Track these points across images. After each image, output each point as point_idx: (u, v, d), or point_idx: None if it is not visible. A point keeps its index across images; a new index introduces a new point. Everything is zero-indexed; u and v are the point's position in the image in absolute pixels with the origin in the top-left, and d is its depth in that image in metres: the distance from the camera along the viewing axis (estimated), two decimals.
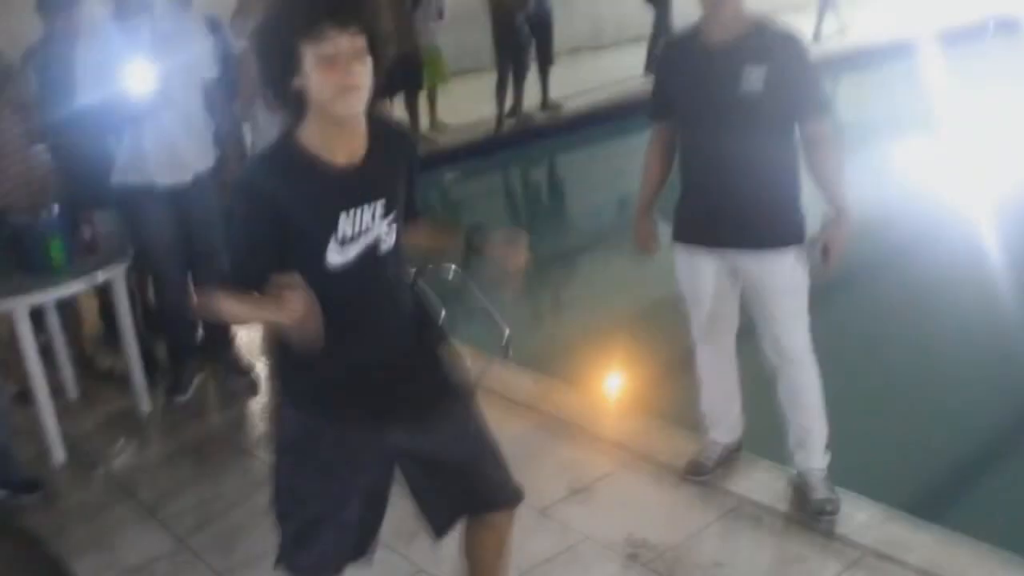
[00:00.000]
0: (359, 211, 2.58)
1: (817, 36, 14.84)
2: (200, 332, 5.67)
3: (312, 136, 2.55)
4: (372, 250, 2.63)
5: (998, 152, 9.83)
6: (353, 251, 2.59)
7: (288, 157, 2.57)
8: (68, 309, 5.60)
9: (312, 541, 2.82)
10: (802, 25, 14.51)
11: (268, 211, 2.53)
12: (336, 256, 2.57)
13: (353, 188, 2.58)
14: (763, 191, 3.82)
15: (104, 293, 5.58)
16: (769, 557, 3.87)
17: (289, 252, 2.55)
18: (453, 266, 4.81)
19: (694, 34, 3.88)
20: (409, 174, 2.79)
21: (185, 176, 5.09)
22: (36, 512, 4.55)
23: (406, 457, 2.87)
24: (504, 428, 4.70)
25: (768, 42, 3.73)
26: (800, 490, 4.07)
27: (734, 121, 3.74)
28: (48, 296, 4.93)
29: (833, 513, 3.95)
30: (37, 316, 5.10)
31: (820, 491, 4.00)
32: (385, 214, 2.63)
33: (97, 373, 5.87)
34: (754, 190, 3.80)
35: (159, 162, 5.01)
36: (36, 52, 5.59)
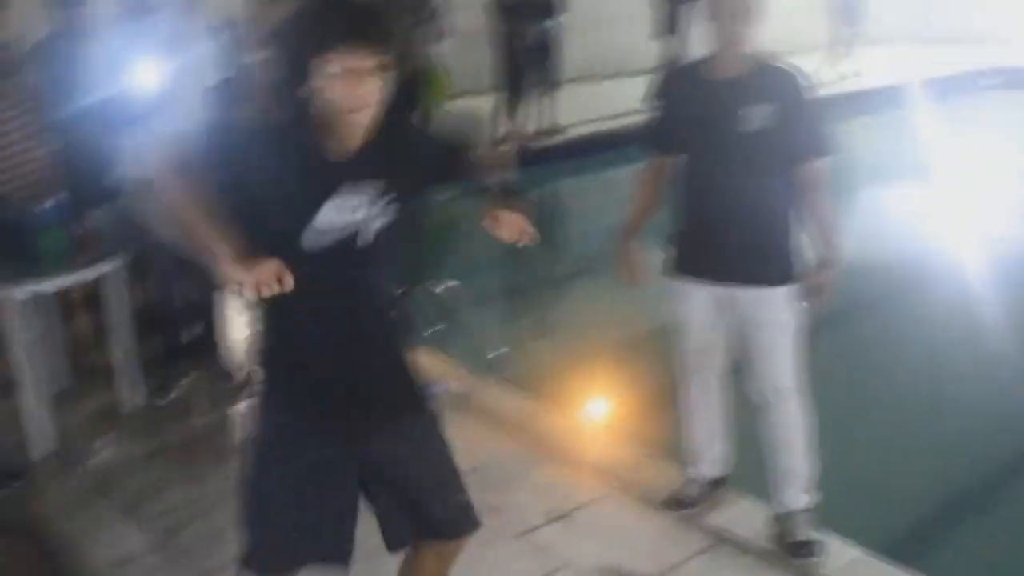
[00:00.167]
0: (343, 199, 2.57)
1: (827, 76, 14.83)
2: (190, 333, 5.65)
3: (314, 125, 2.57)
4: (349, 241, 2.61)
5: (995, 198, 9.94)
6: (329, 238, 2.58)
7: (284, 135, 2.62)
8: (61, 301, 5.58)
9: (270, 537, 2.81)
10: (811, 65, 14.70)
11: (242, 180, 2.54)
12: (313, 239, 2.56)
13: (341, 178, 2.58)
14: (762, 227, 3.84)
15: (97, 287, 5.55)
16: None
17: (261, 225, 2.53)
18: (454, 282, 4.81)
19: (698, 68, 3.90)
20: (429, 154, 2.81)
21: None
22: (13, 504, 4.52)
23: (365, 465, 2.84)
24: (489, 447, 4.78)
25: (773, 80, 3.76)
26: (783, 528, 4.05)
27: (737, 157, 3.76)
28: (38, 287, 4.90)
29: (815, 554, 3.94)
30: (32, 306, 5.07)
31: (803, 531, 3.99)
32: (372, 203, 2.62)
33: (83, 367, 5.83)
34: (753, 226, 3.82)
35: (149, 156, 5.00)
36: (42, 47, 5.58)
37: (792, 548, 3.98)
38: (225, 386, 5.56)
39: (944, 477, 5.04)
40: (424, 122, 11.12)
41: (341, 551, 2.87)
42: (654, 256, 4.12)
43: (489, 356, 5.22)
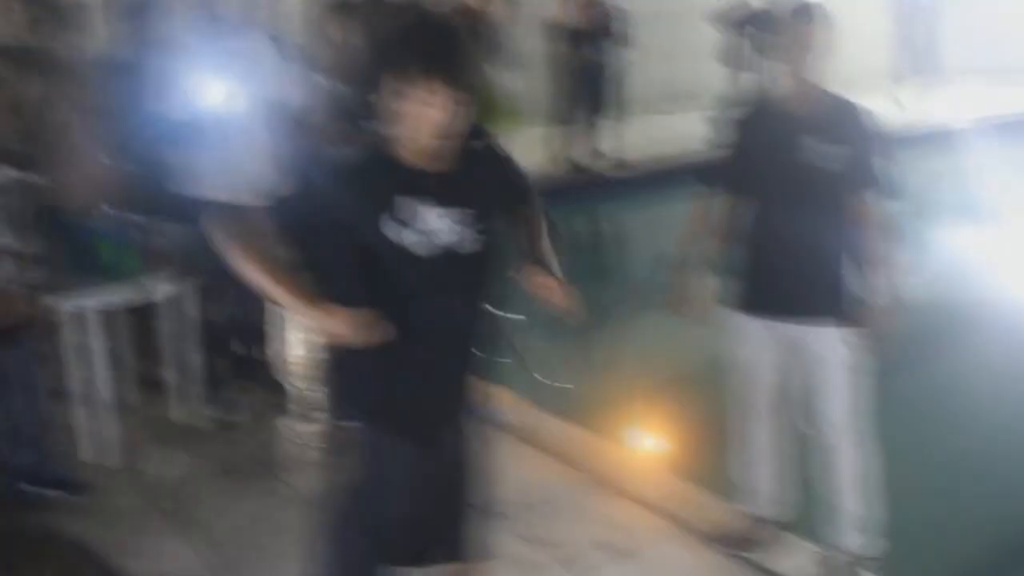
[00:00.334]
0: (420, 202, 2.64)
1: (892, 111, 14.63)
2: (241, 350, 5.68)
3: (389, 138, 2.67)
4: (451, 251, 2.68)
5: None
6: (419, 237, 2.63)
7: (365, 151, 2.75)
8: (125, 315, 5.60)
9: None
10: (875, 100, 14.55)
11: (334, 202, 2.63)
12: (400, 233, 2.62)
13: (418, 182, 2.66)
14: (828, 265, 3.82)
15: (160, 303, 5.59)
16: None
17: (348, 235, 2.62)
18: (521, 316, 4.79)
19: (767, 103, 3.90)
20: (507, 188, 2.91)
21: (242, 191, 5.09)
22: (65, 512, 4.55)
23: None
24: (545, 481, 4.75)
25: (842, 117, 3.76)
26: (837, 570, 3.98)
27: (803, 193, 3.74)
28: (96, 297, 4.95)
29: None
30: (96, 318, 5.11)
31: (857, 573, 3.93)
32: (463, 221, 2.68)
33: (137, 379, 5.85)
34: (819, 264, 3.80)
35: (218, 176, 5.02)
36: (108, 60, 5.63)
37: None
38: (281, 403, 5.59)
39: (1014, 527, 4.91)
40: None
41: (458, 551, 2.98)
42: (712, 290, 4.09)
43: (549, 388, 5.21)
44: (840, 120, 3.73)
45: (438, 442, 2.85)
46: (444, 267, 2.67)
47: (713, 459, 4.76)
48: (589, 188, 11.75)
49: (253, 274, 2.70)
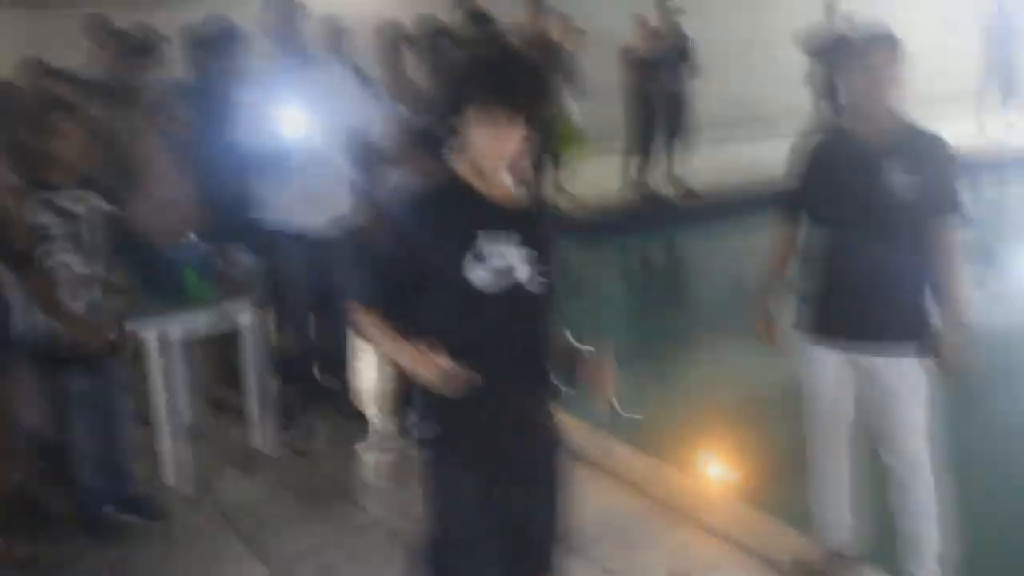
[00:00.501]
0: (498, 238, 2.71)
1: (975, 135, 14.43)
2: (317, 375, 5.73)
3: (466, 172, 2.77)
4: (518, 286, 2.74)
5: None
6: (493, 275, 2.70)
7: (442, 183, 2.82)
8: (194, 338, 5.70)
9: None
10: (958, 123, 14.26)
11: (414, 235, 2.73)
12: (476, 272, 2.69)
13: (495, 216, 2.74)
14: (899, 292, 3.78)
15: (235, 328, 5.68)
16: None
17: (430, 269, 2.71)
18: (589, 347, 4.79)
19: (841, 132, 3.87)
20: (554, 247, 2.90)
21: (322, 220, 5.19)
22: (144, 534, 4.65)
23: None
24: (612, 507, 4.74)
25: (917, 144, 3.73)
26: None
27: (877, 221, 3.72)
28: (178, 324, 5.07)
29: None
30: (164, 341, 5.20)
31: None
32: (529, 259, 2.75)
33: (215, 404, 5.97)
34: (894, 291, 3.77)
35: (299, 204, 5.12)
36: (193, 89, 5.76)
37: None
38: (355, 429, 5.64)
39: None
40: (559, 169, 11.33)
41: None
42: (787, 318, 4.09)
43: (619, 416, 5.19)
44: (916, 148, 3.70)
45: (513, 472, 2.89)
46: (512, 303, 2.73)
47: (788, 488, 4.74)
48: (664, 215, 11.74)
49: (368, 331, 2.85)
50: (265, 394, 5.64)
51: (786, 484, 4.91)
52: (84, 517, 4.64)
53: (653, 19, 11.41)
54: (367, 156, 5.32)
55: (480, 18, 6.55)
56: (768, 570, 4.29)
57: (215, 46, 5.73)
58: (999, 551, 4.65)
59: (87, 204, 4.39)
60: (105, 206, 4.47)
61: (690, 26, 11.73)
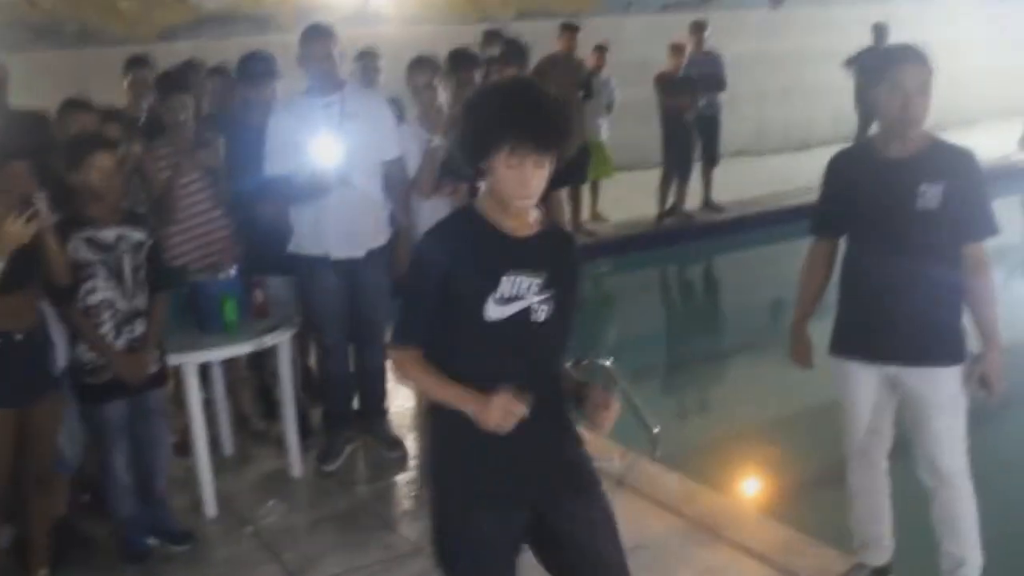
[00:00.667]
0: (519, 276, 2.78)
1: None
2: (355, 402, 5.77)
3: (488, 206, 2.84)
4: (525, 315, 2.80)
5: None
6: (509, 311, 2.78)
7: (467, 220, 2.87)
8: (230, 368, 5.80)
9: None
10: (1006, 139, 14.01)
11: (439, 268, 2.78)
12: (494, 312, 2.77)
13: (517, 255, 2.80)
14: (929, 308, 3.77)
15: (263, 355, 5.74)
16: None
17: (452, 305, 2.77)
18: (611, 359, 4.82)
19: (868, 147, 3.88)
20: (574, 275, 2.95)
21: (358, 251, 5.25)
22: (184, 564, 4.71)
23: (542, 531, 2.96)
24: (646, 528, 4.74)
25: (945, 159, 3.72)
26: None
27: (907, 236, 3.72)
28: (218, 354, 5.14)
29: None
30: (201, 372, 5.28)
31: None
32: (541, 291, 2.81)
33: (252, 433, 6.04)
34: (921, 306, 3.76)
35: (335, 235, 5.17)
36: (229, 120, 5.86)
37: None
38: (390, 455, 5.66)
39: None
40: (592, 192, 11.38)
41: None
42: (821, 335, 4.08)
43: (650, 434, 5.21)
44: (946, 164, 3.69)
45: (538, 503, 2.93)
46: (517, 330, 2.79)
47: (825, 507, 4.74)
48: (695, 235, 11.76)
49: (411, 373, 2.92)
50: (304, 423, 5.71)
51: (819, 501, 4.91)
52: (126, 547, 4.71)
53: (688, 43, 11.47)
54: (403, 187, 5.38)
55: (513, 47, 6.58)
56: None
57: (253, 78, 5.81)
58: None
59: (127, 239, 4.47)
60: (145, 240, 4.54)
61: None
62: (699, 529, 4.81)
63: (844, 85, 12.87)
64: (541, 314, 2.81)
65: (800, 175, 12.80)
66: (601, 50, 11.19)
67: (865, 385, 3.96)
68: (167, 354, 4.74)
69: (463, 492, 2.91)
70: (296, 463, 5.51)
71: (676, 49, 11.26)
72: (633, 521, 4.70)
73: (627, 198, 11.90)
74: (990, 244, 3.77)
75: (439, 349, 2.83)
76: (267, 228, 5.43)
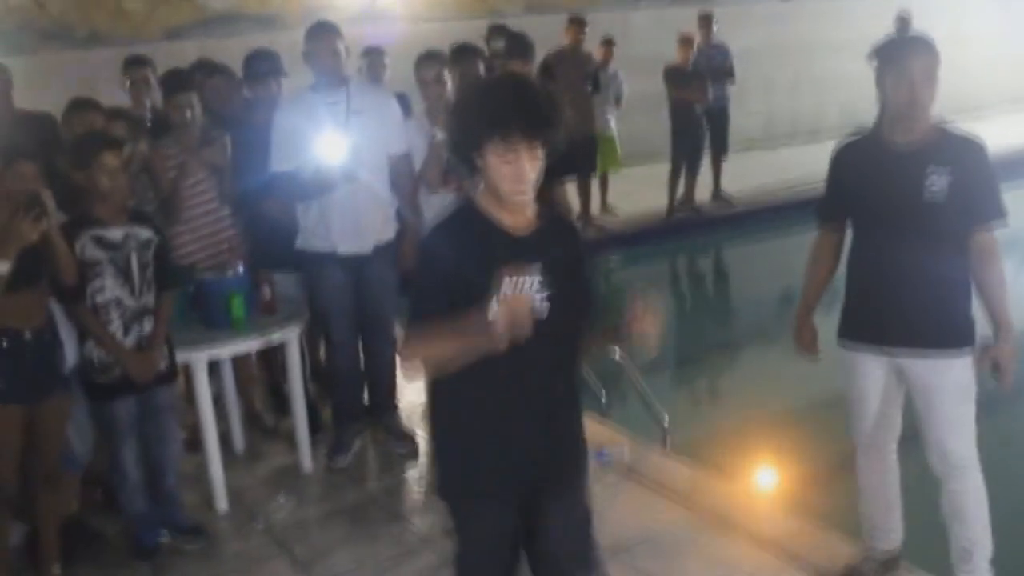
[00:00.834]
0: (519, 276, 2.76)
1: None
2: (365, 396, 5.78)
3: (487, 203, 2.86)
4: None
5: None
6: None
7: (467, 218, 2.87)
8: (240, 364, 5.82)
9: None
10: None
11: (445, 266, 2.80)
12: (493, 308, 2.73)
13: (517, 255, 2.79)
14: (936, 294, 3.77)
15: (272, 351, 5.77)
16: None
17: (456, 305, 2.75)
18: (617, 350, 4.83)
19: (874, 135, 3.86)
20: (578, 263, 2.97)
21: (366, 246, 5.26)
22: (195, 559, 4.72)
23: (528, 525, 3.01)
24: (657, 517, 4.75)
25: (952, 147, 3.71)
26: None
27: (914, 225, 3.71)
28: (226, 351, 5.15)
29: None
30: (210, 368, 5.27)
31: None
32: (542, 288, 2.81)
33: (262, 428, 6.06)
34: (928, 293, 3.76)
35: (343, 231, 5.18)
36: (235, 118, 5.87)
37: None
38: (399, 449, 5.67)
39: None
40: (601, 184, 11.38)
41: None
42: (828, 325, 4.07)
43: (661, 424, 5.22)
44: (951, 151, 3.68)
45: (544, 497, 2.97)
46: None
47: (835, 496, 4.74)
48: (704, 227, 11.76)
49: (425, 351, 2.87)
50: (314, 419, 5.73)
51: (828, 490, 4.90)
52: (137, 544, 4.73)
53: (697, 36, 11.46)
54: (410, 182, 5.38)
55: (518, 41, 6.58)
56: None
57: (259, 76, 5.84)
58: None
59: (135, 237, 4.48)
60: (153, 239, 4.56)
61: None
62: (708, 519, 4.80)
63: (853, 76, 12.77)
64: (544, 311, 2.80)
65: (809, 167, 12.77)
66: (609, 43, 11.20)
67: (873, 374, 3.95)
68: (176, 351, 4.75)
69: (464, 484, 2.94)
70: (306, 458, 5.52)
71: (685, 41, 11.24)
72: (642, 512, 4.75)
73: (636, 191, 11.91)
74: (1000, 234, 3.75)
75: None
76: (274, 224, 5.44)
